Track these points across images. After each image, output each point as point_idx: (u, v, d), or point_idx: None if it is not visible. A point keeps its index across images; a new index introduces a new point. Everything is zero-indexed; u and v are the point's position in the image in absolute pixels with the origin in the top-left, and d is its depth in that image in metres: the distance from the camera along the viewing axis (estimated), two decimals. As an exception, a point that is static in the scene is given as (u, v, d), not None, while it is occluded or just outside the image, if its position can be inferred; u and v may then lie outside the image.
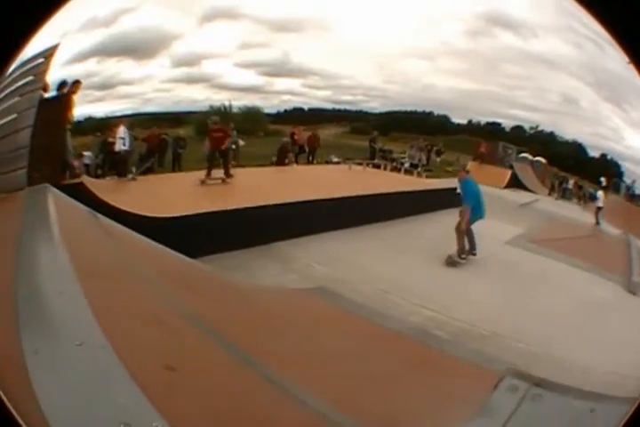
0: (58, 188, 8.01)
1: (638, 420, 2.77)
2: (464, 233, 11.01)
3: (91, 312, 3.87)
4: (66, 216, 6.75)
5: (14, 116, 8.27)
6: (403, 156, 20.37)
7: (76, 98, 10.94)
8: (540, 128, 21.65)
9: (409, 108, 21.58)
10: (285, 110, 19.30)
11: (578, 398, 3.15)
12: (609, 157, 18.11)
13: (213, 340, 4.82)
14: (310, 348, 5.59)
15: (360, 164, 18.35)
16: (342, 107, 20.84)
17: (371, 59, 19.37)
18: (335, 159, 19.37)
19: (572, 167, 19.61)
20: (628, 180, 17.26)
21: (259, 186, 12.88)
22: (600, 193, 17.53)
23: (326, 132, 20.08)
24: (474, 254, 11.12)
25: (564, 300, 9.34)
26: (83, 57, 12.93)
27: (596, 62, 16.98)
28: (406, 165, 19.88)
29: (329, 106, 20.63)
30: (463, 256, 10.99)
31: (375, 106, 20.89)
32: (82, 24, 12.68)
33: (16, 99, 8.37)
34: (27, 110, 8.38)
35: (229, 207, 10.16)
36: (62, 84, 10.63)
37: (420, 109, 21.82)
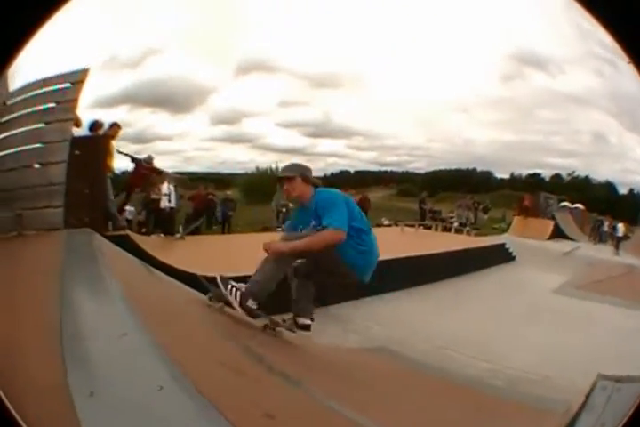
0: (101, 237, 7.52)
1: (638, 420, 2.70)
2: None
3: (166, 356, 3.40)
4: (115, 262, 6.37)
5: (39, 145, 7.64)
6: (451, 215, 20.33)
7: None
8: (575, 173, 22.00)
9: (453, 167, 21.44)
10: (332, 173, 18.97)
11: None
12: (636, 192, 19.43)
13: (297, 389, 4.20)
14: (380, 400, 4.92)
15: (412, 225, 18.12)
16: (388, 168, 20.59)
17: (411, 115, 19.18)
18: (386, 222, 19.17)
19: (606, 209, 20.00)
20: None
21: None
22: (620, 225, 18.63)
23: (374, 195, 20.03)
24: (302, 327, 5.58)
25: (609, 337, 9.19)
26: (112, 102, 12.36)
27: (615, 87, 17.55)
28: (455, 224, 19.76)
29: (375, 168, 20.43)
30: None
31: (420, 166, 20.84)
32: (104, 62, 12.11)
33: (40, 125, 7.74)
34: (58, 143, 7.66)
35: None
36: (95, 125, 9.83)
37: (463, 167, 21.78)
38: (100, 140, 9.63)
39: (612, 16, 2.69)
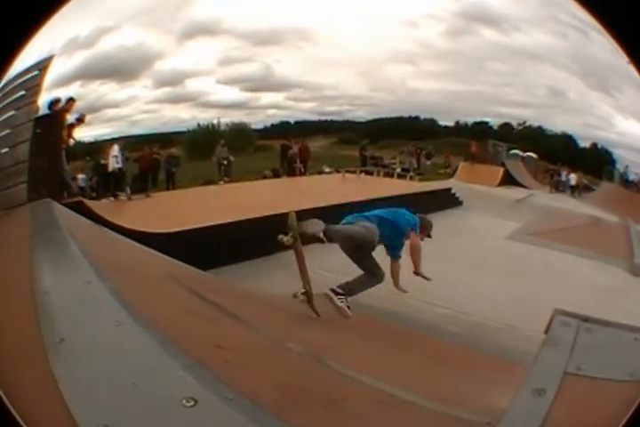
0: (58, 205, 7.92)
1: (638, 420, 2.76)
2: None
3: (123, 299, 3.83)
4: (75, 226, 6.83)
5: (8, 131, 8.10)
6: (393, 162, 20.58)
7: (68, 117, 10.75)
8: (527, 124, 22.22)
9: (395, 115, 21.63)
10: (272, 125, 19.31)
11: (622, 330, 3.61)
12: (600, 146, 18.53)
13: (248, 328, 4.81)
14: (335, 342, 5.71)
15: (353, 172, 18.37)
16: (329, 118, 20.86)
17: (353, 66, 19.35)
18: (327, 169, 19.51)
19: (565, 160, 19.87)
20: (620, 166, 17.78)
21: (259, 198, 12.61)
22: (572, 175, 19.00)
23: (315, 144, 20.13)
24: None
25: (574, 288, 9.16)
26: (66, 80, 12.76)
27: (581, 50, 17.04)
28: (398, 170, 20.01)
29: (315, 118, 20.64)
30: None
31: (361, 115, 20.95)
32: (64, 45, 12.52)
33: (11, 113, 8.23)
34: (23, 124, 8.19)
35: (227, 220, 10.02)
36: (53, 103, 10.39)
37: (406, 115, 21.91)
38: (57, 115, 10.25)
39: (611, 16, 2.94)
